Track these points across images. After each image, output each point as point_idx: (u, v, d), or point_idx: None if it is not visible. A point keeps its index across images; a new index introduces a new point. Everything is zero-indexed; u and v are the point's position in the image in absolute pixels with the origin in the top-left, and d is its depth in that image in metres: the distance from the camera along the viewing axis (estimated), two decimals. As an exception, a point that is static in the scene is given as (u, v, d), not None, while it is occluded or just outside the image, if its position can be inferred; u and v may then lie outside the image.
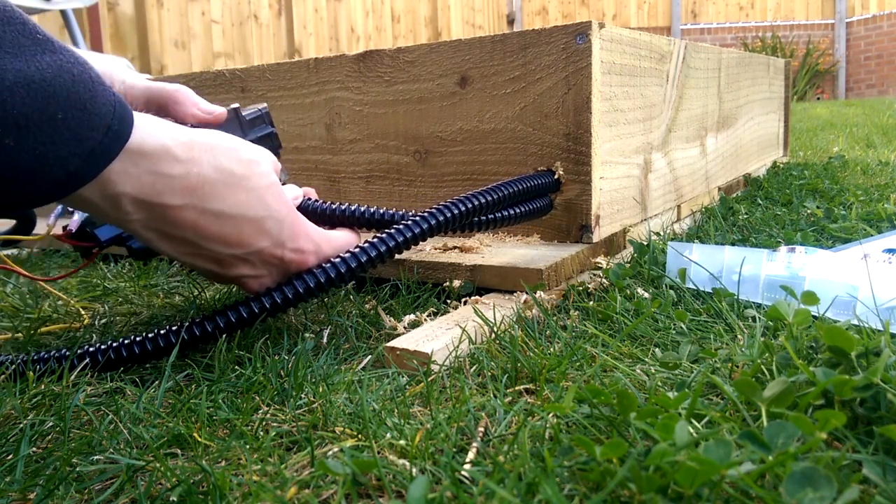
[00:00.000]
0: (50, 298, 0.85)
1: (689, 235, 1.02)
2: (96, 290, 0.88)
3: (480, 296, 0.72)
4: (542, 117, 0.81)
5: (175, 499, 0.37)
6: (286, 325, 0.68)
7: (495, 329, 0.61)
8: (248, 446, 0.43)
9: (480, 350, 0.58)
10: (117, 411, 0.49)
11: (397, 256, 0.75)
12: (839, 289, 0.62)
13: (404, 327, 0.65)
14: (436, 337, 0.59)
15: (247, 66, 1.05)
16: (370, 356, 0.59)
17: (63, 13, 2.40)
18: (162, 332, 0.59)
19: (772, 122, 1.83)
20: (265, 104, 0.75)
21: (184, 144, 0.53)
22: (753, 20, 7.24)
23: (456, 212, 0.67)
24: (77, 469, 0.42)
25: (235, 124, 0.69)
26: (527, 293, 0.69)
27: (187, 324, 0.59)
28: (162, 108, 0.66)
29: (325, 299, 0.76)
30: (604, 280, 0.77)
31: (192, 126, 0.59)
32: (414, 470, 0.39)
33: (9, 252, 1.19)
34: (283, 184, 0.67)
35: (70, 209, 0.64)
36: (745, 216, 1.13)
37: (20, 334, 0.71)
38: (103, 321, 0.74)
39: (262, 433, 0.46)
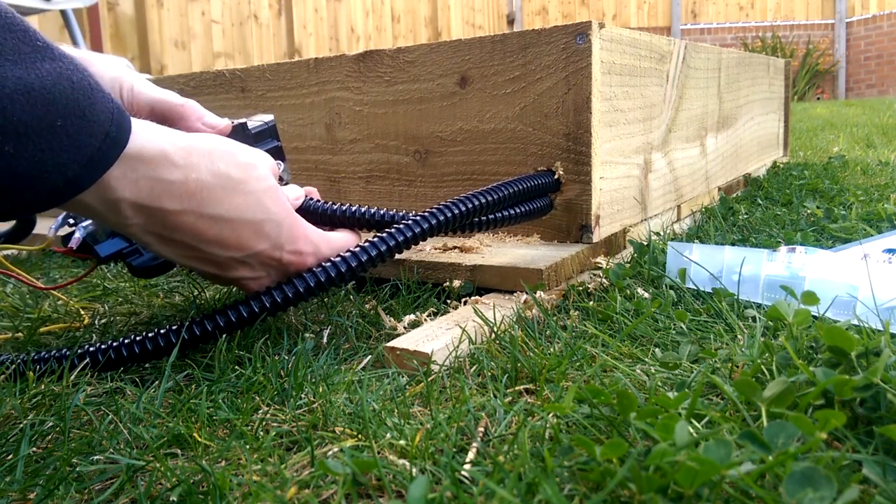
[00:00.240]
0: (50, 298, 0.85)
1: (689, 235, 1.02)
2: (96, 290, 0.88)
3: (480, 296, 0.72)
4: (542, 117, 0.81)
5: (175, 499, 0.37)
6: (286, 325, 0.68)
7: (495, 329, 0.61)
8: (248, 446, 0.43)
9: (480, 350, 0.58)
10: (117, 411, 0.49)
11: (397, 256, 0.75)
12: (839, 289, 0.62)
13: (404, 327, 0.65)
14: (436, 337, 0.59)
15: (247, 66, 1.05)
16: (370, 356, 0.59)
17: (63, 13, 2.40)
18: (161, 331, 0.59)
19: (772, 122, 1.83)
20: (272, 116, 0.75)
21: (182, 150, 0.53)
22: (753, 20, 7.24)
23: (456, 212, 0.67)
24: (77, 469, 0.42)
25: (241, 138, 0.69)
26: (527, 293, 0.69)
27: (174, 327, 0.59)
28: (166, 122, 0.66)
29: (325, 299, 0.76)
30: (604, 280, 0.77)
31: None
32: (414, 470, 0.39)
33: (8, 252, 1.19)
34: (285, 184, 0.67)
35: (71, 220, 0.64)
36: (745, 216, 1.13)
37: (20, 334, 0.71)
38: (103, 321, 0.74)
39: (262, 433, 0.46)
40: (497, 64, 0.84)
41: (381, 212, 0.68)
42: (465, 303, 0.70)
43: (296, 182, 0.74)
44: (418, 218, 0.65)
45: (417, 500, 0.33)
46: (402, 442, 0.42)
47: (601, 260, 0.81)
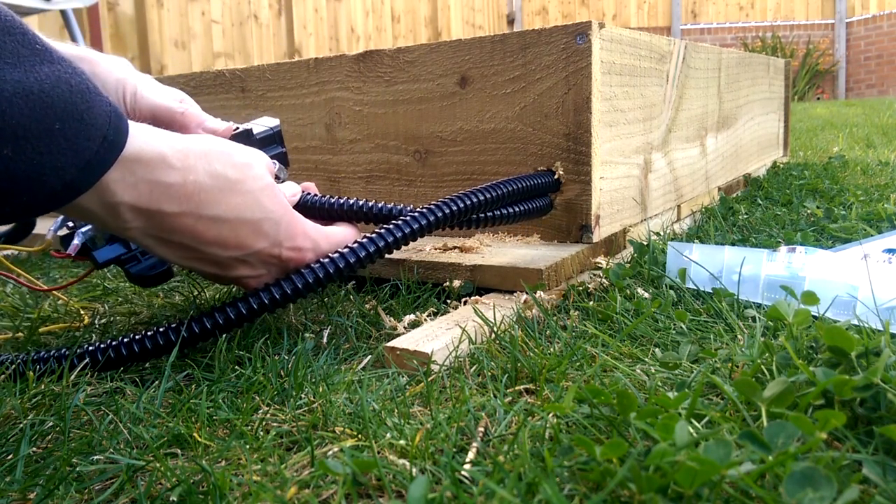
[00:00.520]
0: (50, 298, 0.85)
1: (689, 235, 1.02)
2: (96, 290, 0.88)
3: (480, 296, 0.72)
4: (542, 117, 0.81)
5: (175, 499, 0.37)
6: (286, 325, 0.68)
7: (495, 329, 0.61)
8: (248, 446, 0.43)
9: (480, 350, 0.58)
10: (117, 411, 0.49)
11: (397, 256, 0.75)
12: (839, 289, 0.62)
13: (404, 327, 0.65)
14: (436, 337, 0.59)
15: (247, 66, 1.05)
16: (370, 356, 0.59)
17: (63, 13, 2.40)
18: (161, 330, 0.59)
19: (772, 122, 1.83)
20: (277, 121, 0.75)
21: (179, 152, 0.53)
22: (753, 20, 7.24)
23: (456, 207, 0.67)
24: (77, 469, 0.42)
25: (246, 144, 0.69)
26: (527, 293, 0.69)
27: (173, 325, 0.59)
28: (167, 128, 0.66)
29: (325, 299, 0.76)
30: (604, 280, 0.77)
31: None
32: (414, 470, 0.39)
33: (8, 252, 1.19)
34: (282, 182, 0.67)
35: (70, 223, 0.64)
36: (745, 216, 1.13)
37: (21, 334, 0.71)
38: (103, 321, 0.74)
39: (262, 433, 0.46)
40: (497, 64, 0.84)
41: (379, 205, 0.68)
42: (465, 303, 0.70)
43: (295, 182, 0.74)
44: (418, 213, 0.65)
45: (417, 500, 0.33)
46: (402, 442, 0.42)
47: (601, 260, 0.81)
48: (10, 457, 0.43)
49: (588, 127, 0.78)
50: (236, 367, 0.57)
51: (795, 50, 7.00)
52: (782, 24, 7.18)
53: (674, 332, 0.61)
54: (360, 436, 0.44)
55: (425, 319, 0.66)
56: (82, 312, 0.77)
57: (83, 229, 0.64)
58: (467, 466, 0.39)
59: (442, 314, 0.68)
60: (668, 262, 0.76)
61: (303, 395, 0.51)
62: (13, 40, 0.44)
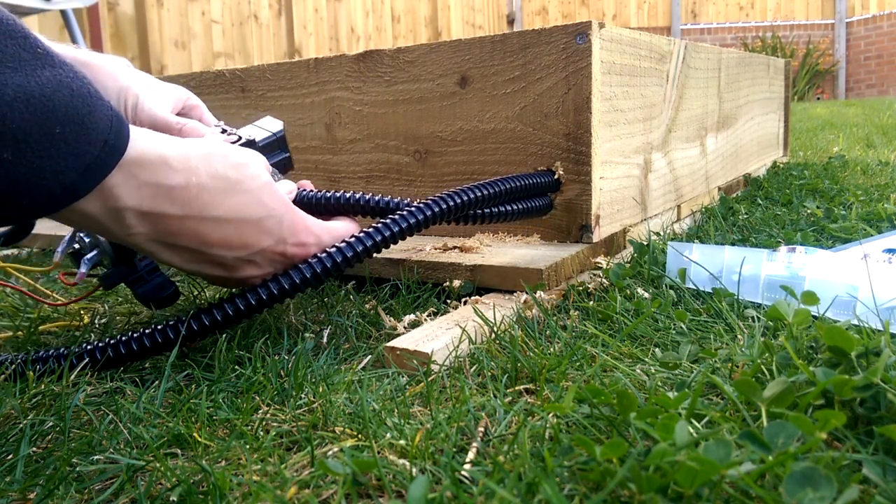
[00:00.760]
0: (50, 298, 0.85)
1: (689, 235, 1.02)
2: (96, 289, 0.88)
3: (480, 296, 0.72)
4: (542, 117, 0.81)
5: (175, 499, 0.37)
6: (286, 325, 0.68)
7: (495, 329, 0.61)
8: (248, 446, 0.43)
9: (480, 350, 0.58)
10: (117, 411, 0.49)
11: (397, 256, 0.75)
12: (839, 289, 0.62)
13: (404, 327, 0.65)
14: (436, 337, 0.59)
15: (247, 66, 1.05)
16: (370, 356, 0.59)
17: (63, 13, 2.40)
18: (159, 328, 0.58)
19: (772, 122, 1.83)
20: (281, 125, 0.75)
21: (181, 155, 0.53)
22: (753, 20, 7.24)
23: (458, 201, 0.67)
24: (77, 469, 0.42)
25: None
26: (527, 293, 0.69)
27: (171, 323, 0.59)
28: None
29: (325, 299, 0.76)
30: (604, 280, 0.77)
31: None
32: (414, 470, 0.39)
33: (7, 252, 1.19)
34: (277, 181, 0.67)
35: (76, 245, 0.64)
36: (745, 216, 1.13)
37: (20, 333, 0.71)
38: (103, 321, 0.74)
39: (262, 433, 0.46)
40: (497, 64, 0.84)
41: (376, 198, 0.69)
42: (465, 303, 0.70)
43: (295, 182, 0.74)
44: (421, 205, 0.66)
45: (417, 500, 0.33)
46: (402, 442, 0.42)
47: (601, 260, 0.81)
48: (10, 457, 0.43)
49: (588, 127, 0.78)
50: (236, 367, 0.57)
51: (795, 50, 7.00)
52: (782, 24, 7.18)
53: (674, 332, 0.61)
54: (360, 436, 0.44)
55: (425, 319, 0.66)
56: (82, 312, 0.77)
57: (88, 256, 0.64)
58: (467, 466, 0.39)
59: (442, 314, 0.68)
60: (668, 262, 0.76)
61: (303, 395, 0.51)
62: (14, 44, 0.44)
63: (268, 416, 0.48)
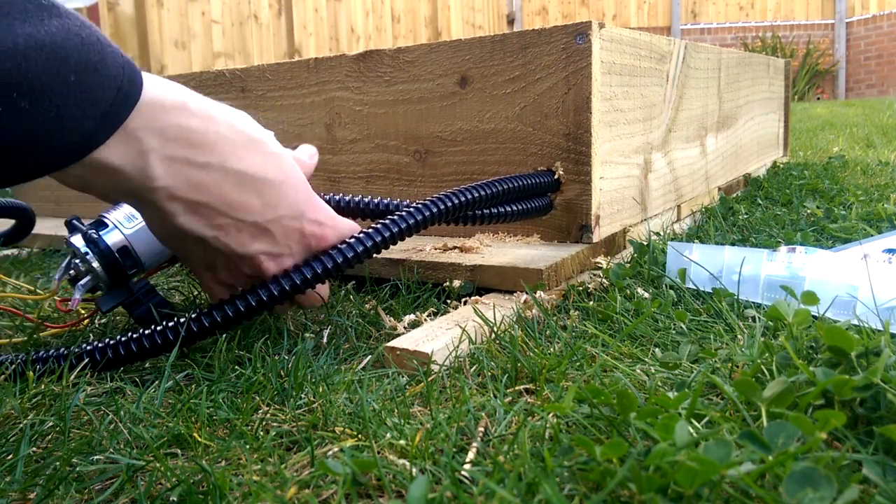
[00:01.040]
0: (49, 299, 0.84)
1: (689, 235, 1.02)
2: (96, 289, 0.88)
3: (480, 296, 0.72)
4: (542, 117, 0.81)
5: (175, 499, 0.37)
6: (286, 325, 0.68)
7: (495, 329, 0.61)
8: (248, 446, 0.43)
9: (480, 350, 0.58)
10: (117, 411, 0.49)
11: (397, 256, 0.75)
12: (839, 289, 0.62)
13: (404, 327, 0.65)
14: (436, 337, 0.59)
15: (247, 66, 1.05)
16: (370, 356, 0.59)
17: (63, 13, 2.40)
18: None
19: (772, 122, 1.82)
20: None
21: (200, 104, 0.54)
22: (753, 20, 7.24)
23: (458, 201, 0.68)
24: (77, 469, 0.42)
25: None
26: (527, 293, 0.69)
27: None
28: None
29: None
30: (604, 280, 0.77)
31: None
32: (414, 470, 0.39)
33: (7, 252, 1.19)
34: None
35: (72, 272, 0.64)
36: (745, 216, 1.13)
37: (22, 336, 0.71)
38: (103, 321, 0.74)
39: (262, 433, 0.46)
40: (497, 64, 0.84)
41: (376, 200, 0.69)
42: (465, 303, 0.70)
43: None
44: (425, 203, 0.66)
45: (417, 500, 0.33)
46: (402, 442, 0.42)
47: (601, 260, 0.81)
48: (10, 457, 0.43)
49: (588, 127, 0.78)
50: (236, 367, 0.57)
51: (795, 50, 7.00)
52: (782, 24, 7.18)
53: (674, 332, 0.61)
54: (360, 436, 0.44)
55: (425, 319, 0.66)
56: (82, 313, 0.77)
57: (82, 282, 0.64)
58: (467, 466, 0.39)
59: (442, 314, 0.68)
60: (668, 262, 0.76)
61: (303, 395, 0.51)
62: None
63: (268, 416, 0.48)
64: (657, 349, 0.57)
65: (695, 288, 0.72)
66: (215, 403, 0.50)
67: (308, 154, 0.69)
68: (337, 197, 0.70)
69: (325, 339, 0.64)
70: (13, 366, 0.57)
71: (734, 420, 0.41)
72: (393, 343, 0.58)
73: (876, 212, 1.08)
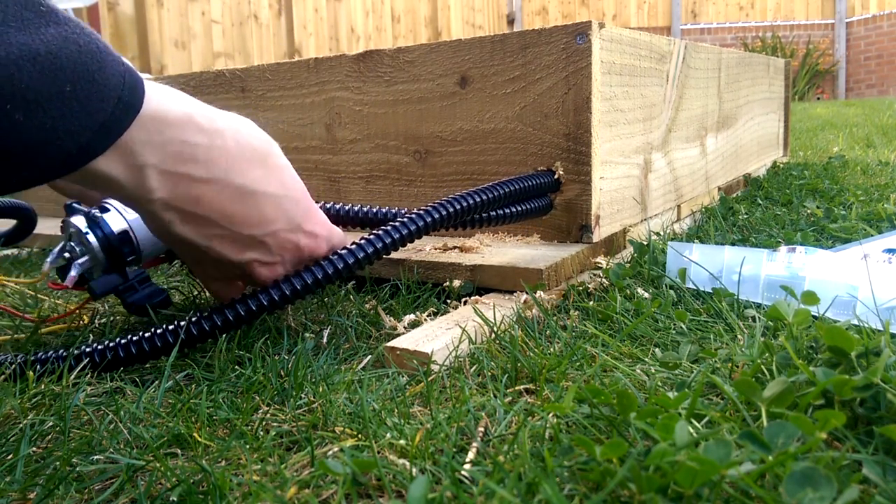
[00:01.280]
0: (49, 299, 0.85)
1: (689, 235, 1.02)
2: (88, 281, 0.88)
3: (480, 296, 0.72)
4: (542, 117, 0.81)
5: (175, 499, 0.37)
6: (286, 325, 0.68)
7: (495, 329, 0.61)
8: (248, 446, 0.43)
9: (480, 350, 0.58)
10: (117, 411, 0.49)
11: (397, 256, 0.75)
12: (839, 289, 0.62)
13: (404, 327, 0.65)
14: (436, 337, 0.59)
15: (247, 66, 1.05)
16: (370, 356, 0.59)
17: (63, 13, 2.40)
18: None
19: (772, 122, 1.83)
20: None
21: (207, 116, 0.53)
22: (753, 20, 7.24)
23: (451, 210, 0.68)
24: (77, 469, 0.42)
25: None
26: (527, 293, 0.69)
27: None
28: None
29: (325, 299, 0.76)
30: (604, 280, 0.77)
31: None
32: (414, 470, 0.39)
33: (8, 252, 1.19)
34: None
35: (66, 254, 0.64)
36: (745, 216, 1.13)
37: (21, 335, 0.71)
38: (103, 321, 0.74)
39: (262, 433, 0.46)
40: (497, 64, 0.84)
41: (374, 210, 0.69)
42: (465, 303, 0.70)
43: None
44: (421, 212, 0.66)
45: (417, 500, 0.33)
46: (402, 442, 0.42)
47: (601, 260, 0.81)
48: (10, 457, 0.43)
49: (588, 127, 0.78)
50: (236, 367, 0.57)
51: (795, 50, 7.00)
52: (782, 24, 7.18)
53: (674, 332, 0.61)
54: (360, 436, 0.44)
55: (425, 319, 0.66)
56: (79, 312, 0.77)
57: (80, 261, 0.63)
58: (467, 466, 0.39)
59: (442, 314, 0.68)
60: (668, 262, 0.76)
61: (303, 395, 0.51)
62: (16, 3, 0.43)
63: (268, 416, 0.48)
64: (657, 349, 0.57)
65: (695, 288, 0.72)
66: (215, 403, 0.50)
67: None
68: (337, 206, 0.70)
69: (325, 339, 0.64)
70: (17, 363, 0.57)
71: (734, 420, 0.41)
72: (393, 343, 0.58)
73: (876, 212, 1.08)
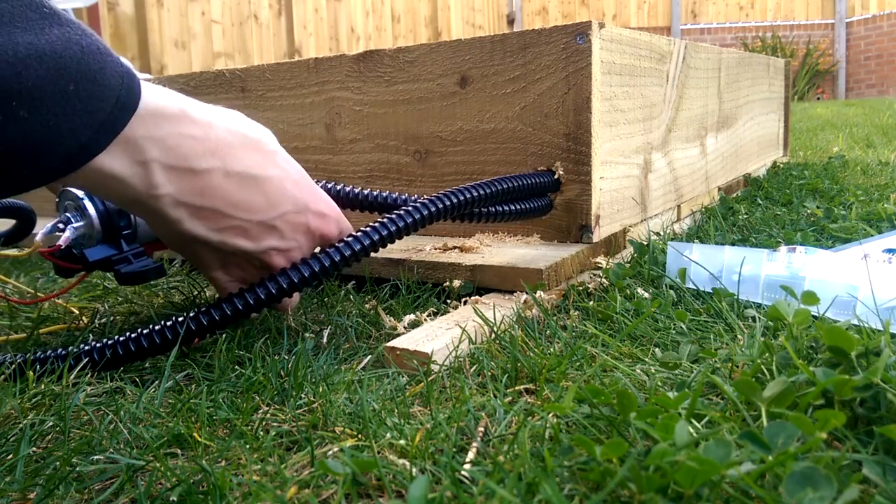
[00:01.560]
0: (47, 294, 0.84)
1: (689, 235, 1.02)
2: (96, 289, 0.88)
3: (480, 296, 0.72)
4: (542, 117, 0.81)
5: (175, 499, 0.37)
6: (286, 325, 0.68)
7: (495, 329, 0.61)
8: (248, 446, 0.43)
9: (480, 350, 0.58)
10: (117, 411, 0.49)
11: (397, 256, 0.75)
12: (839, 289, 0.62)
13: (404, 327, 0.65)
14: (436, 337, 0.59)
15: (247, 66, 1.05)
16: (370, 356, 0.59)
17: (63, 13, 2.40)
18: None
19: (772, 122, 1.83)
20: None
21: (199, 109, 0.55)
22: (753, 20, 7.24)
23: (456, 200, 0.68)
24: (77, 469, 0.42)
25: None
26: (527, 293, 0.69)
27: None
28: None
29: (325, 299, 0.76)
30: (604, 280, 0.77)
31: None
32: (414, 470, 0.39)
33: (8, 252, 1.19)
34: None
35: (61, 225, 0.64)
36: (745, 216, 1.13)
37: (21, 334, 0.71)
38: (103, 321, 0.74)
39: (262, 433, 0.46)
40: (497, 64, 0.84)
41: (374, 193, 0.70)
42: (465, 303, 0.70)
43: None
44: (422, 203, 0.66)
45: (417, 499, 0.33)
46: (402, 442, 0.42)
47: (601, 260, 0.81)
48: (10, 457, 0.43)
49: (588, 127, 0.78)
50: (236, 366, 0.57)
51: (795, 50, 7.00)
52: (782, 24, 7.18)
53: (674, 332, 0.61)
54: (360, 436, 0.44)
55: (425, 319, 0.66)
56: (76, 312, 0.77)
57: (76, 224, 0.62)
58: (467, 466, 0.39)
59: (442, 314, 0.68)
60: (668, 262, 0.76)
61: (303, 395, 0.51)
62: (21, 4, 0.44)
63: (268, 416, 0.48)
64: (657, 349, 0.57)
65: (695, 288, 0.72)
66: (215, 403, 0.50)
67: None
68: (338, 187, 0.70)
69: (325, 339, 0.64)
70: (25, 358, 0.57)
71: (734, 420, 0.41)
72: (393, 343, 0.58)
73: (876, 212, 1.08)
